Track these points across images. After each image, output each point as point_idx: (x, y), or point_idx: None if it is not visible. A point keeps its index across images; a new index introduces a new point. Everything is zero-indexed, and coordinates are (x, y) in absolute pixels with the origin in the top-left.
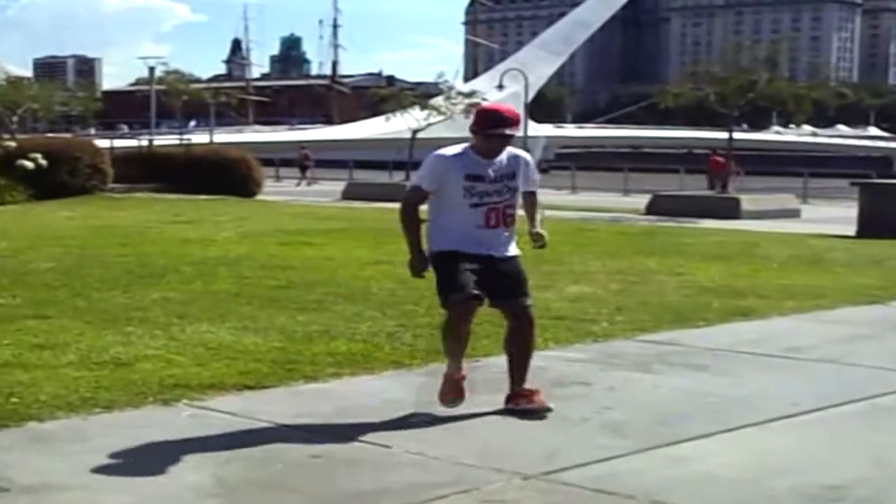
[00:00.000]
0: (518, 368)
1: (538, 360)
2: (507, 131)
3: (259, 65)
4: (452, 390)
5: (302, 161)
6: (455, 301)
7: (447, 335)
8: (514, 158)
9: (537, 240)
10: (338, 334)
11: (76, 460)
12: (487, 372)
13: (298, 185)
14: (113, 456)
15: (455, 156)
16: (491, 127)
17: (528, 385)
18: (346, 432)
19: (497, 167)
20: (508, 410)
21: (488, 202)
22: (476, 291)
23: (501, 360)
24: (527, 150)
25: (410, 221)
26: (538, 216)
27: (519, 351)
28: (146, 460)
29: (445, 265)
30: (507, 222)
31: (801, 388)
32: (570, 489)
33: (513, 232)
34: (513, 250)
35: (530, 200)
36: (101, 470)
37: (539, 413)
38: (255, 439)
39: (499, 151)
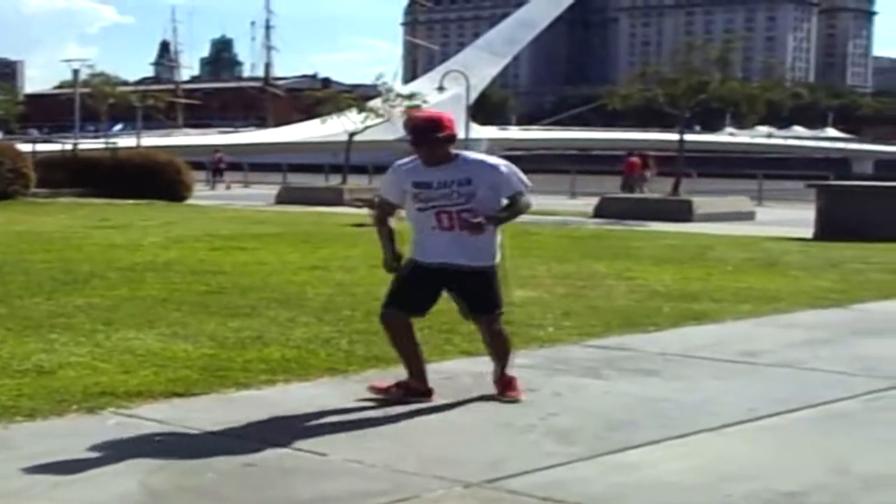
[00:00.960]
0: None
1: (480, 365)
2: (418, 140)
3: (189, 67)
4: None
5: (216, 164)
6: (382, 315)
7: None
8: (474, 164)
9: (473, 227)
10: (271, 340)
11: (0, 469)
12: (432, 377)
13: (213, 188)
14: (38, 465)
15: (408, 166)
16: (410, 137)
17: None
18: (279, 440)
19: (443, 173)
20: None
21: (436, 205)
22: (406, 314)
23: (440, 367)
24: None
25: (379, 227)
26: (511, 213)
27: (493, 352)
28: (72, 469)
29: (410, 272)
30: (463, 226)
31: (756, 394)
32: (516, 497)
33: (484, 241)
34: (479, 261)
35: (514, 200)
36: (27, 480)
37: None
38: (185, 447)
39: (435, 158)
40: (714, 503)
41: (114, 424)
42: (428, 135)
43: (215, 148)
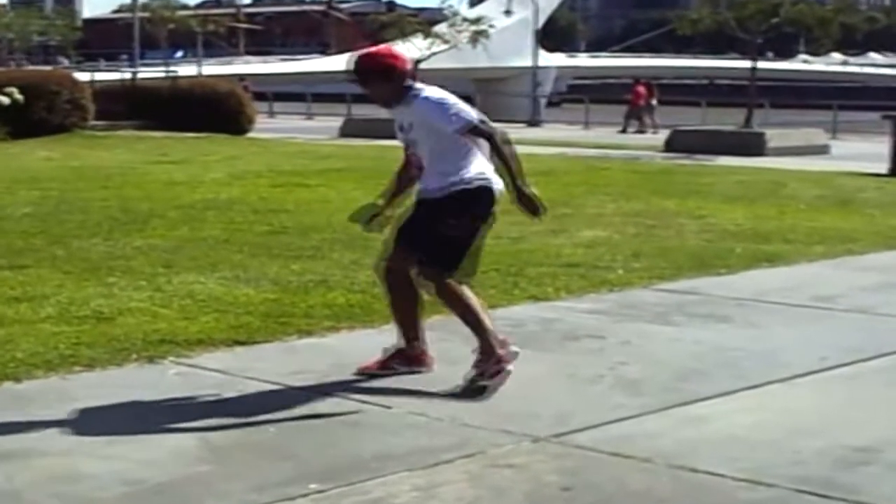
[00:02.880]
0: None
1: (548, 311)
2: (360, 84)
3: None
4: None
5: None
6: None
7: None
8: (422, 102)
9: (527, 207)
10: (335, 284)
11: (55, 423)
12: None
13: None
14: (95, 418)
15: None
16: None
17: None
18: (343, 392)
19: (401, 114)
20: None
21: (406, 149)
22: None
23: (507, 312)
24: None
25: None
26: (512, 172)
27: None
28: (130, 423)
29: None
30: (430, 171)
31: (829, 341)
32: (584, 452)
33: (451, 165)
34: (431, 193)
35: (491, 148)
36: (83, 434)
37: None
38: (247, 400)
39: (380, 97)
40: (784, 460)
41: (174, 375)
42: (357, 75)
43: (240, 76)
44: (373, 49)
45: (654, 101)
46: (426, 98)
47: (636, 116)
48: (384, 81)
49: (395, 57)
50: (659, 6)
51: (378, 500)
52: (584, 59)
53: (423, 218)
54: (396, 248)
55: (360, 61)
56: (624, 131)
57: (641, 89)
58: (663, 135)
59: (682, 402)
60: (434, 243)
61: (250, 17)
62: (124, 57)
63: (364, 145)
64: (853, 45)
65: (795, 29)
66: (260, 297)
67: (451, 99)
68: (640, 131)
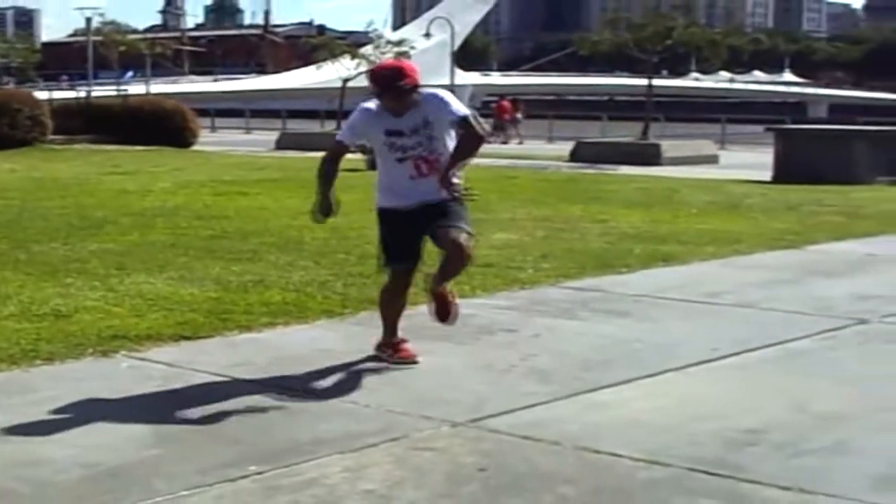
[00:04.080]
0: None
1: (466, 307)
2: (383, 89)
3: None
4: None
5: None
6: (394, 269)
7: (383, 301)
8: (425, 102)
9: (448, 187)
10: (271, 284)
11: (18, 412)
12: (415, 320)
13: None
14: (54, 408)
15: (376, 110)
16: (375, 88)
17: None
18: (281, 382)
19: (409, 121)
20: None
21: (411, 156)
22: (408, 265)
23: (427, 309)
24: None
25: (322, 169)
26: (460, 156)
27: (447, 263)
28: (87, 412)
29: (382, 226)
30: (435, 168)
31: (720, 334)
32: (499, 436)
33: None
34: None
35: (461, 134)
36: (43, 422)
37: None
38: (193, 390)
39: (402, 107)
40: (681, 441)
41: (126, 367)
42: (392, 83)
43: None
44: (398, 65)
45: (519, 115)
46: (430, 95)
47: (500, 128)
48: (410, 94)
49: (415, 71)
50: (564, 29)
51: (312, 480)
52: (496, 78)
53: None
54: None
55: (392, 70)
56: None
57: (506, 104)
58: (530, 144)
59: (587, 390)
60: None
61: (194, 41)
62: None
63: (298, 157)
64: (739, 64)
65: (688, 49)
66: (203, 296)
67: (447, 94)
68: (504, 142)
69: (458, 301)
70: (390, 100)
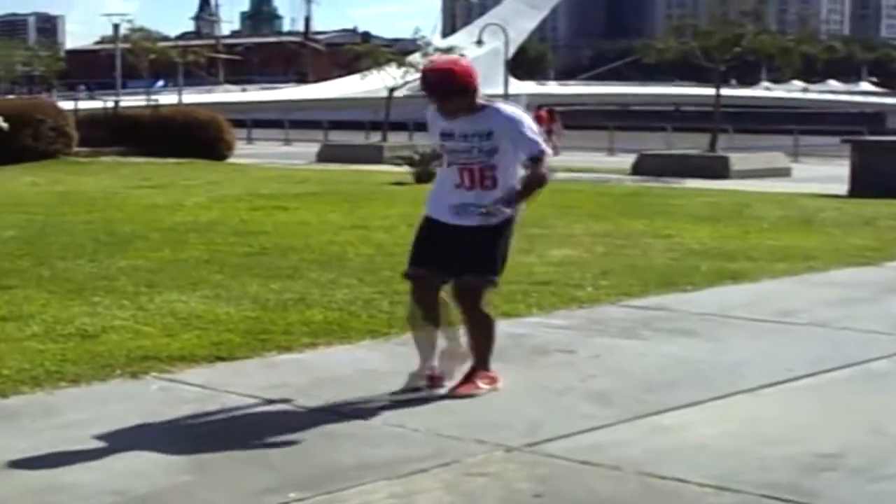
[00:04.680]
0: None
1: (519, 327)
2: (430, 93)
3: (229, 21)
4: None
5: None
6: (411, 276)
7: (407, 319)
8: (493, 115)
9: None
10: (313, 302)
11: (42, 437)
12: (466, 340)
13: None
14: (81, 431)
15: (436, 112)
16: (424, 90)
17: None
18: (322, 405)
19: (463, 125)
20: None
21: (458, 161)
22: (420, 270)
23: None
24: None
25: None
26: (527, 192)
27: (470, 337)
28: (115, 436)
29: (416, 232)
30: (486, 185)
31: (792, 354)
32: (555, 461)
33: (501, 197)
34: (484, 220)
35: (530, 171)
36: (69, 447)
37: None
38: (229, 413)
39: (452, 111)
40: (750, 467)
41: (157, 389)
42: (439, 87)
43: None
44: (448, 67)
45: (555, 126)
46: (505, 113)
47: None
48: (462, 96)
49: (469, 74)
50: (626, 36)
51: None
52: (553, 87)
53: (482, 243)
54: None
55: (440, 73)
56: None
57: (543, 114)
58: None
59: (650, 413)
60: (494, 263)
61: (230, 48)
62: (81, 87)
63: (340, 169)
64: (813, 72)
65: (758, 58)
66: (240, 315)
67: (527, 119)
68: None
69: (481, 387)
70: (438, 103)
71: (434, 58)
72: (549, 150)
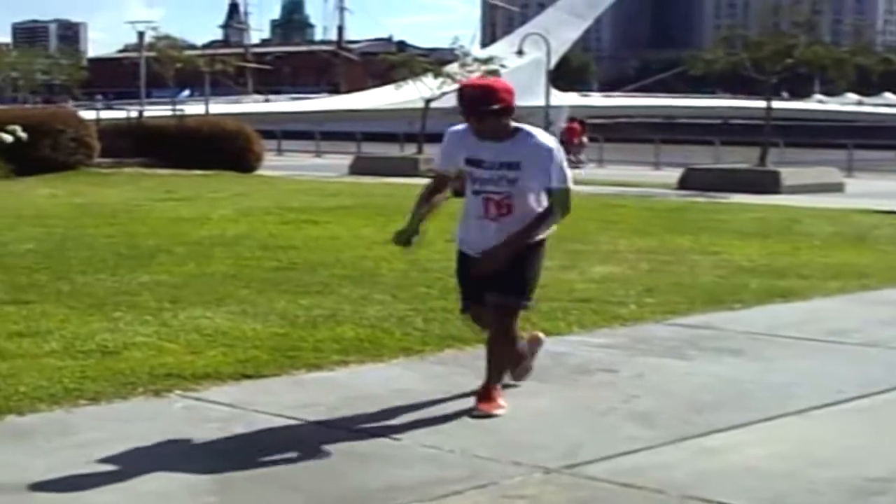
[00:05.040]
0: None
1: (560, 345)
2: (469, 111)
3: (259, 30)
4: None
5: None
6: (463, 310)
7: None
8: (524, 141)
9: (488, 258)
10: (344, 319)
11: (59, 456)
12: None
13: None
14: (100, 451)
15: (462, 134)
16: (461, 108)
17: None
18: (352, 424)
19: (497, 151)
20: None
21: (484, 191)
22: (474, 307)
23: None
24: (549, 122)
25: (420, 193)
26: (529, 231)
27: (489, 356)
28: (136, 455)
29: (456, 266)
30: (502, 213)
31: (844, 374)
32: (596, 484)
33: (519, 222)
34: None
35: (548, 205)
36: (87, 466)
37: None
38: (255, 432)
39: (488, 132)
40: (798, 490)
41: (181, 408)
42: (479, 106)
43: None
44: (489, 84)
45: (584, 139)
46: (537, 141)
47: (569, 152)
48: (500, 118)
49: (510, 93)
50: (672, 47)
51: None
52: (597, 99)
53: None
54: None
55: (481, 91)
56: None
57: (576, 126)
58: (633, 170)
59: (696, 434)
60: (525, 284)
61: (259, 57)
62: (98, 97)
63: (373, 183)
64: (868, 85)
65: (810, 70)
66: (268, 332)
67: (557, 148)
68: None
69: (497, 407)
70: (475, 123)
71: (472, 77)
72: (573, 187)
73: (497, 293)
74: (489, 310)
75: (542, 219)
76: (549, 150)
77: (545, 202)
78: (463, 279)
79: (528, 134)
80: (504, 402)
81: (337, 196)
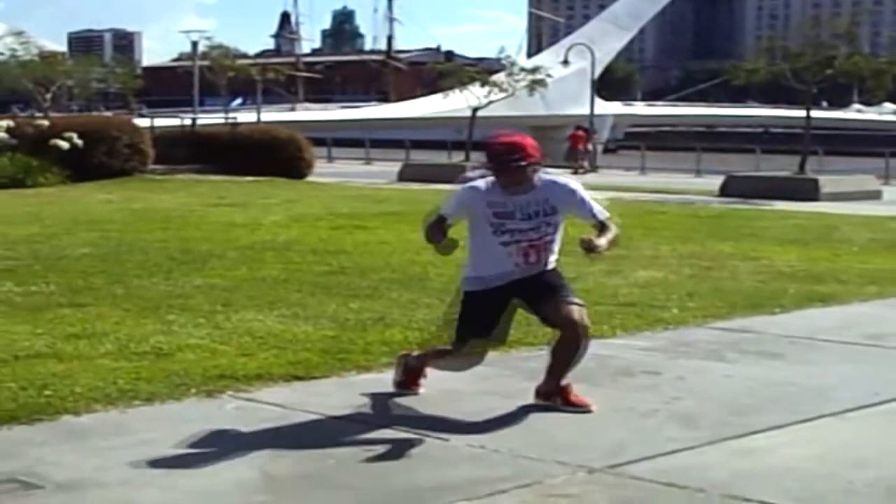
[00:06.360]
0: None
1: (604, 348)
2: (499, 167)
3: (309, 39)
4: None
5: None
6: (469, 343)
7: (450, 362)
8: (551, 188)
9: (590, 248)
10: (393, 322)
11: (114, 455)
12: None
13: None
14: (153, 451)
15: (485, 189)
16: (490, 163)
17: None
18: (401, 425)
19: (526, 202)
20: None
21: (524, 240)
22: (478, 341)
23: None
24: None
25: (427, 235)
26: (607, 236)
27: (564, 351)
28: (188, 455)
29: (469, 306)
30: (547, 257)
31: (882, 377)
32: (639, 483)
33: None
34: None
35: (607, 229)
36: (141, 465)
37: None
38: (305, 433)
39: (517, 186)
40: (836, 491)
41: (233, 409)
42: (509, 162)
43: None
44: (518, 141)
45: (590, 146)
46: (559, 183)
47: (573, 158)
48: (528, 172)
49: (537, 147)
50: (714, 57)
51: None
52: (640, 108)
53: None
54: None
55: (512, 147)
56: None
57: (581, 133)
58: (675, 178)
59: (736, 435)
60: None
61: (310, 66)
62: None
63: (422, 189)
64: None
65: (849, 80)
66: (318, 335)
67: (578, 187)
68: (576, 171)
69: (578, 398)
70: (504, 178)
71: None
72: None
73: (566, 301)
74: (563, 317)
75: (613, 230)
76: (574, 191)
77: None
78: (483, 314)
79: (553, 181)
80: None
81: (386, 202)
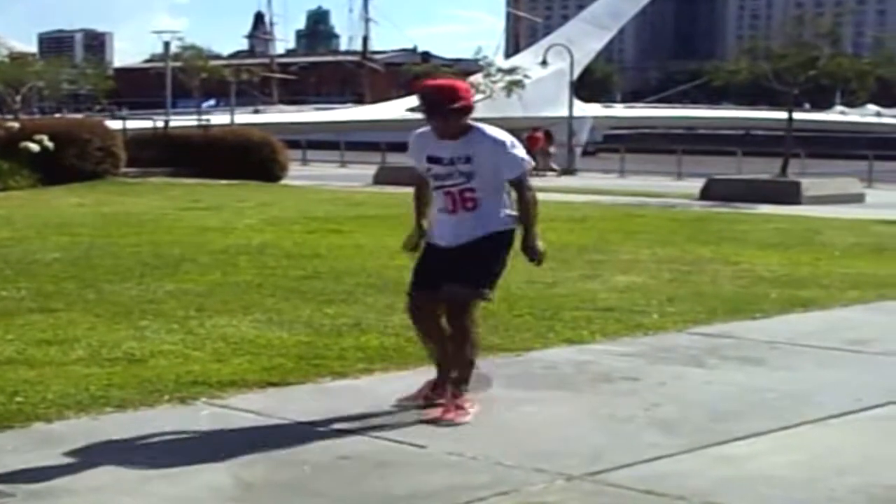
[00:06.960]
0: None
1: (582, 354)
2: (430, 110)
3: (284, 40)
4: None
5: None
6: (412, 295)
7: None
8: (478, 139)
9: (531, 255)
10: (368, 328)
11: (86, 462)
12: (528, 367)
13: None
14: (126, 457)
15: (422, 135)
16: (422, 107)
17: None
18: (377, 431)
19: (453, 148)
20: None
21: (443, 185)
22: (426, 292)
23: (542, 355)
24: (573, 132)
25: (415, 199)
26: (532, 222)
27: (451, 352)
28: (161, 462)
29: (420, 255)
30: (468, 207)
31: (864, 383)
32: (618, 490)
33: (490, 211)
34: (482, 230)
35: (519, 196)
36: (113, 472)
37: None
38: (279, 439)
39: (449, 131)
40: (817, 498)
41: (206, 415)
42: (440, 105)
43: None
44: (450, 84)
45: (551, 149)
46: (489, 136)
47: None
48: (460, 116)
49: (469, 92)
50: (695, 58)
51: None
52: (619, 110)
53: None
54: (434, 289)
55: (442, 91)
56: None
57: (539, 135)
58: (656, 181)
59: (716, 442)
60: (485, 276)
61: (284, 67)
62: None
63: (398, 192)
64: (889, 97)
65: (832, 81)
66: (293, 340)
67: (510, 140)
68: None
69: (459, 415)
70: (437, 122)
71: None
72: (531, 164)
73: (455, 283)
74: (447, 300)
75: (530, 203)
76: (500, 143)
77: (507, 197)
78: (421, 267)
79: (481, 130)
80: (473, 408)
81: (361, 206)
